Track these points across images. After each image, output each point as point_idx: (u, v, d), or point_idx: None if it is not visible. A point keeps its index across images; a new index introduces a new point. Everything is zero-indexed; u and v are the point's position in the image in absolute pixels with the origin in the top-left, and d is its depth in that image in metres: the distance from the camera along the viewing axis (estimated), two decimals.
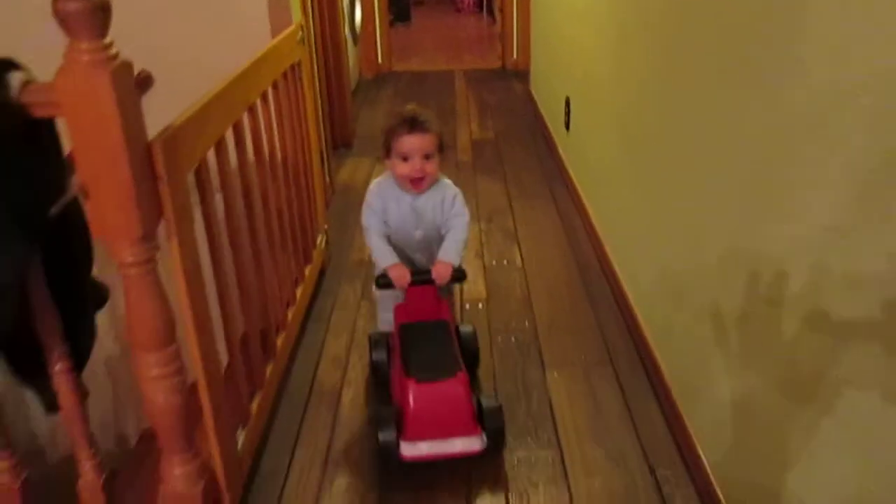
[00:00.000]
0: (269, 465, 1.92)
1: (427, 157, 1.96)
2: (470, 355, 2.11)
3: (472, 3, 9.37)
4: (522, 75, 5.74)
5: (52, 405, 1.50)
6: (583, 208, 3.24)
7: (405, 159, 1.96)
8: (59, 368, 1.44)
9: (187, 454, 1.50)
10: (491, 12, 8.59)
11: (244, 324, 1.87)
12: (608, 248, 2.80)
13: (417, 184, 1.99)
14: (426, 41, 7.75)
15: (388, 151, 2.00)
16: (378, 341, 2.16)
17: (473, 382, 2.10)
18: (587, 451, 1.94)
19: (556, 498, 1.79)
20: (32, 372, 1.45)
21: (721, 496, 1.66)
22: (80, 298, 1.46)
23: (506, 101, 5.23)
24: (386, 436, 1.77)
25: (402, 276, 1.96)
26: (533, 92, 5.10)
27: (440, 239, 2.07)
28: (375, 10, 6.00)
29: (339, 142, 4.21)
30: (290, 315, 2.29)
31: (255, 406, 1.89)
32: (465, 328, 2.18)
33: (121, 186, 1.22)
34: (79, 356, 1.48)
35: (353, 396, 2.18)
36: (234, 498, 1.68)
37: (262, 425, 1.97)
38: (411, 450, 1.76)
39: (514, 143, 4.36)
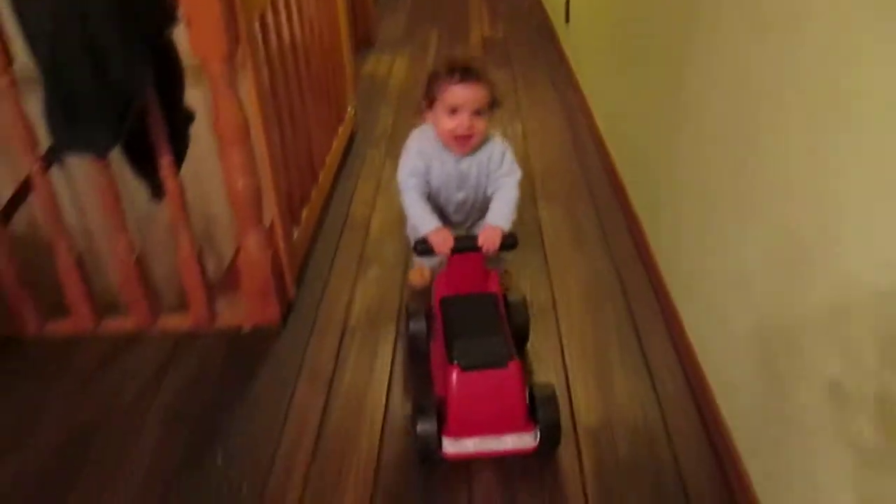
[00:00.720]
0: (315, 262, 2.47)
1: (478, 112, 1.75)
2: (519, 330, 1.88)
3: None
4: None
5: (157, 192, 2.03)
6: (579, 90, 3.69)
7: (453, 112, 1.75)
8: (164, 162, 1.96)
9: (258, 227, 2.03)
10: None
11: (294, 152, 2.38)
12: (598, 120, 3.26)
13: (463, 143, 1.79)
14: None
15: (431, 102, 1.79)
16: (416, 311, 1.92)
17: (524, 364, 1.84)
18: (566, 255, 2.45)
19: (540, 283, 2.31)
20: (145, 165, 1.97)
21: (666, 282, 2.16)
22: (178, 112, 1.97)
23: (516, 8, 5.60)
24: (426, 427, 1.56)
25: (444, 241, 1.73)
26: None
27: (484, 200, 1.90)
28: None
29: (362, 41, 4.64)
30: (327, 159, 2.81)
31: (304, 214, 2.43)
32: (514, 298, 1.94)
33: (214, 17, 1.72)
34: (177, 157, 1.99)
35: (380, 224, 2.71)
36: (292, 272, 2.23)
37: (310, 233, 2.51)
38: (455, 447, 1.57)
39: (521, 41, 4.77)
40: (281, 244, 2.15)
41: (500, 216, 1.80)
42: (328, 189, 2.84)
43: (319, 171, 2.69)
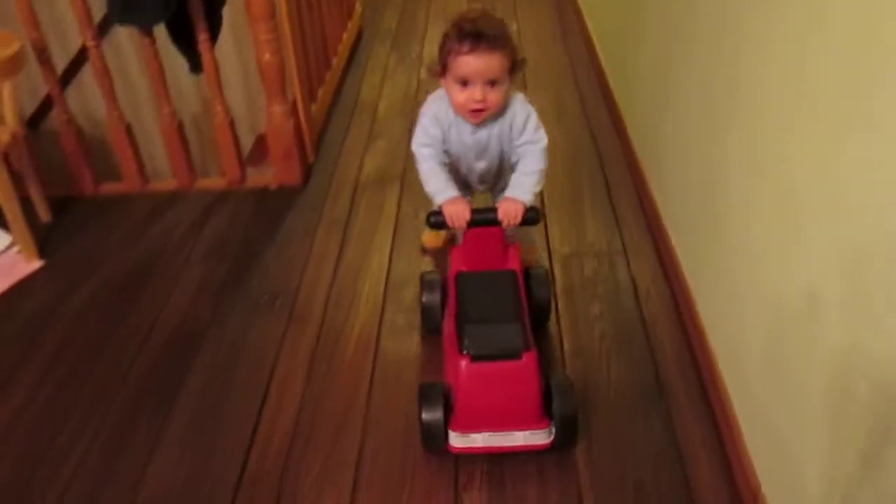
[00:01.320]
0: (330, 135, 2.83)
1: (492, 83, 1.56)
2: (539, 306, 1.78)
3: None
4: None
5: (196, 66, 2.36)
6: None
7: (464, 84, 1.57)
8: (202, 38, 2.28)
9: (283, 98, 2.37)
10: None
11: (312, 36, 2.69)
12: (584, 12, 3.54)
13: (476, 115, 1.61)
14: None
15: (444, 69, 1.60)
16: (431, 282, 1.81)
17: (541, 343, 1.66)
18: (550, 129, 2.78)
19: None
20: (185, 41, 2.30)
21: (636, 149, 2.49)
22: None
23: None
24: (431, 417, 1.47)
25: (459, 213, 1.59)
26: None
27: (510, 168, 1.74)
28: None
29: None
30: (339, 48, 3.12)
31: (320, 94, 2.76)
32: (536, 270, 1.81)
33: None
34: (213, 34, 2.31)
35: (386, 107, 3.04)
36: (312, 140, 2.58)
37: (326, 110, 2.85)
38: (462, 441, 1.48)
39: None
40: (302, 114, 2.49)
41: (522, 189, 1.63)
42: (340, 76, 3.16)
43: (332, 58, 3.01)
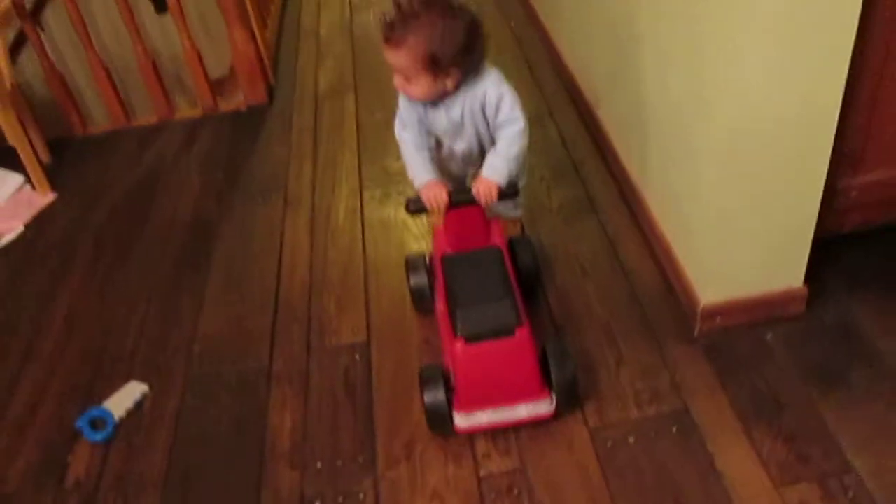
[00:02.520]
0: (283, 58, 3.20)
1: (406, 78, 1.52)
2: (527, 272, 1.78)
3: None
4: None
5: (163, 6, 2.67)
6: None
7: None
8: None
9: (243, 24, 2.71)
10: None
11: None
12: None
13: (412, 98, 1.60)
14: None
15: None
16: (416, 265, 1.83)
17: (533, 325, 1.57)
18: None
19: None
20: None
21: (575, 81, 2.91)
22: None
23: None
24: (434, 397, 1.51)
25: (436, 196, 1.58)
26: None
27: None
28: None
29: None
30: None
31: (269, 22, 3.10)
32: (520, 239, 1.83)
33: None
34: None
35: (327, 31, 3.40)
36: (270, 62, 2.94)
37: (275, 36, 3.20)
38: (467, 421, 1.53)
39: None
40: (259, 39, 2.83)
41: (495, 168, 1.58)
42: (280, 8, 3.49)
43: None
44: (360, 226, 2.22)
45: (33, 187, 2.58)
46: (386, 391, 1.71)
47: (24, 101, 2.60)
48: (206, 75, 2.80)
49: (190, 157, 2.66)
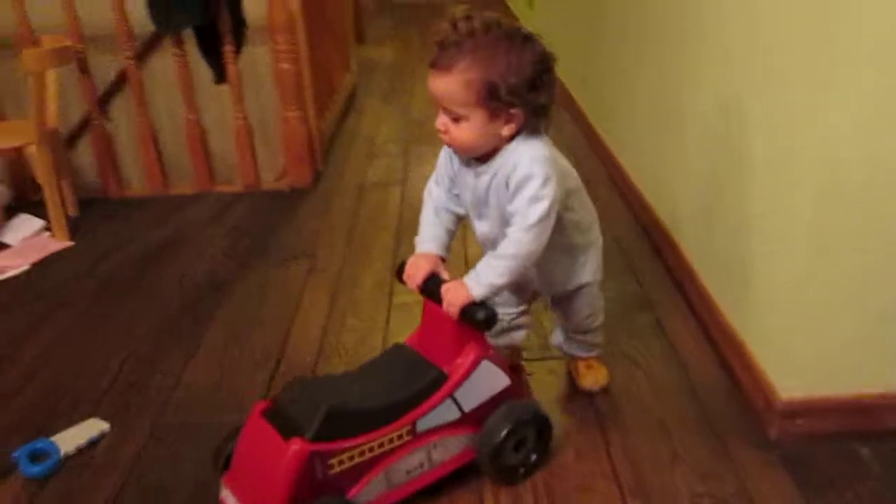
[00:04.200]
0: (334, 154, 3.13)
1: (453, 116, 1.19)
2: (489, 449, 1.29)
3: None
4: None
5: (221, 77, 2.66)
6: None
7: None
8: (227, 49, 2.59)
9: (297, 105, 2.67)
10: None
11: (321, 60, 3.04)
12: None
13: (453, 147, 1.27)
14: None
15: None
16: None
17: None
18: None
19: None
20: (212, 51, 2.61)
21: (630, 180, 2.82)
22: (240, 12, 2.61)
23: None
24: None
25: (413, 273, 1.30)
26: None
27: None
28: None
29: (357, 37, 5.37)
30: (338, 87, 3.48)
31: (327, 114, 3.08)
32: (514, 407, 1.32)
33: None
34: (237, 46, 2.63)
35: (383, 138, 3.37)
36: (321, 148, 2.87)
37: (332, 129, 3.17)
38: (224, 493, 1.23)
39: None
40: (313, 123, 2.78)
41: (475, 274, 1.24)
42: (340, 113, 3.49)
43: (334, 93, 3.35)
44: (387, 299, 1.99)
45: (52, 234, 2.45)
46: None
47: (63, 149, 2.54)
48: (252, 151, 2.73)
49: (220, 223, 2.53)
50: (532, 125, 1.22)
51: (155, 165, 2.74)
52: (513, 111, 1.18)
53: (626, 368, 1.66)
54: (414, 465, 1.25)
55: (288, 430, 1.15)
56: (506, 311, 1.48)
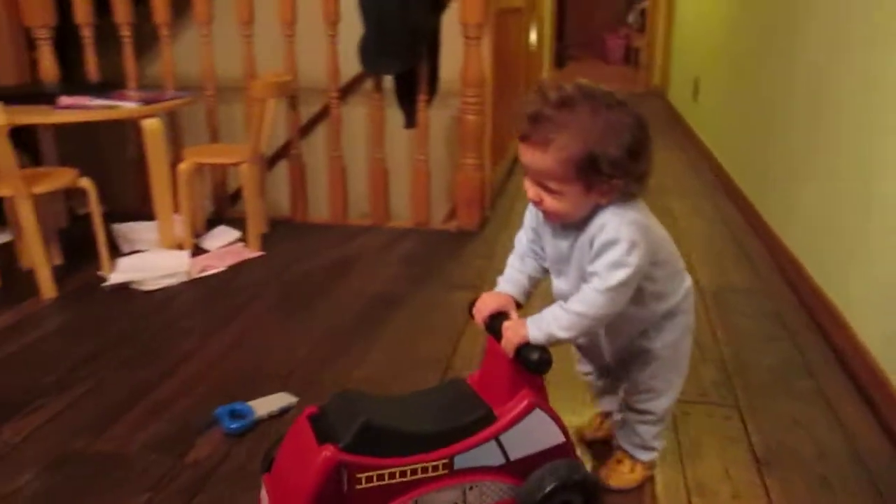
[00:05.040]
0: (501, 202, 3.28)
1: (545, 187, 1.16)
2: None
3: (619, 55, 10.82)
4: (660, 95, 7.04)
5: (412, 124, 2.91)
6: (702, 145, 4.48)
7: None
8: (421, 98, 2.85)
9: (476, 153, 2.87)
10: (637, 63, 9.96)
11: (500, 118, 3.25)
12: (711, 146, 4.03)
13: (546, 215, 1.24)
14: (578, 76, 9.21)
15: None
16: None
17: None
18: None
19: None
20: (407, 99, 2.87)
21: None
22: (436, 68, 2.87)
23: (645, 105, 6.52)
24: None
25: (479, 308, 1.29)
26: (669, 98, 6.41)
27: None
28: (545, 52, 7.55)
29: None
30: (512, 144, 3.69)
31: (500, 164, 3.27)
32: (566, 467, 1.26)
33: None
34: (430, 95, 2.88)
35: None
36: (491, 195, 3.05)
37: (502, 182, 3.35)
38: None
39: (650, 120, 5.65)
40: (487, 171, 2.98)
41: (539, 317, 1.21)
42: (508, 167, 3.70)
43: (506, 149, 3.57)
44: None
45: (245, 244, 2.74)
46: None
47: (265, 172, 2.86)
48: (427, 192, 2.95)
49: (391, 251, 2.74)
50: (637, 183, 1.17)
51: (339, 196, 3.01)
52: (613, 182, 1.13)
53: (787, 426, 1.66)
54: (446, 502, 1.20)
55: (324, 436, 1.15)
56: (592, 369, 1.49)
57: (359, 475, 1.13)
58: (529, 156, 1.14)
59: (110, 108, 2.44)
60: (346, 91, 3.04)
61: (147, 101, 2.52)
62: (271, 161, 3.19)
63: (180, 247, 2.63)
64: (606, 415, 1.55)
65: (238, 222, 2.84)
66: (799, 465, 1.52)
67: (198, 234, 2.79)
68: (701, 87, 4.85)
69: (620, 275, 1.14)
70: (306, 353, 1.96)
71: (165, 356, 1.94)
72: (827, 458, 1.54)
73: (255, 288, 2.39)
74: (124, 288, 2.35)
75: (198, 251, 2.67)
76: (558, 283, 1.29)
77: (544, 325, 1.19)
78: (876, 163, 1.89)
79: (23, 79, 2.79)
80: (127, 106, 2.47)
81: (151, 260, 2.51)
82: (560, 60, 10.27)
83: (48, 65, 2.85)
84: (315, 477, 1.12)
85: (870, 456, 1.55)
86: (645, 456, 1.41)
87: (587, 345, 1.39)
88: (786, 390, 1.81)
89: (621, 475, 1.42)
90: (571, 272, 1.24)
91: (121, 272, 2.42)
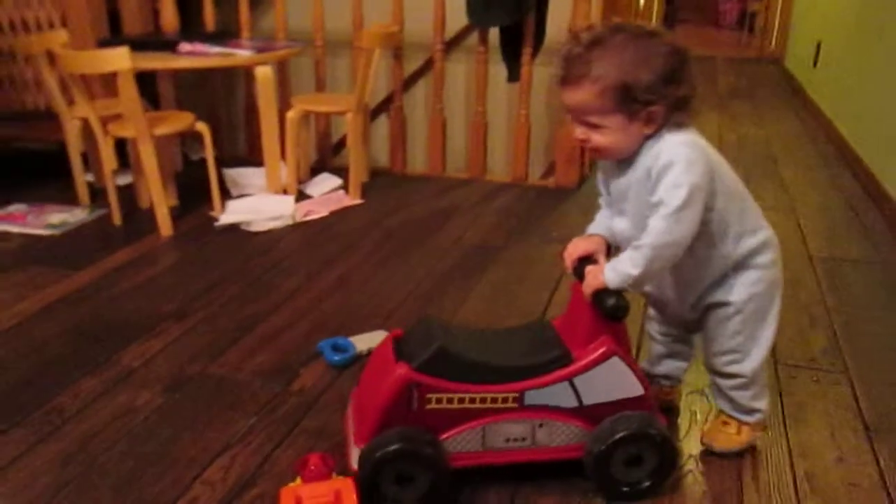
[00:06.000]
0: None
1: (589, 123, 1.17)
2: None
3: (733, 19, 10.32)
4: (776, 62, 6.70)
5: (515, 76, 2.89)
6: (821, 114, 4.26)
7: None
8: (526, 52, 2.82)
9: None
10: (752, 28, 9.49)
11: None
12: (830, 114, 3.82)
13: (598, 154, 1.24)
14: (688, 40, 8.88)
15: None
16: None
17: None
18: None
19: None
20: (512, 53, 2.85)
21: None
22: (544, 19, 2.83)
23: (760, 72, 6.26)
24: None
25: (569, 251, 1.30)
26: (786, 65, 6.10)
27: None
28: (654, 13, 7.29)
29: None
30: None
31: None
32: (643, 427, 1.23)
33: None
34: (535, 50, 2.85)
35: None
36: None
37: None
38: None
39: (765, 88, 5.41)
40: None
41: (614, 261, 1.21)
42: None
43: None
44: None
45: (346, 192, 2.80)
46: None
47: (368, 122, 2.90)
48: (527, 147, 2.93)
49: (489, 205, 2.74)
50: (675, 120, 1.16)
51: (438, 149, 3.03)
52: (652, 109, 1.14)
53: None
54: (514, 435, 1.23)
55: (402, 356, 1.21)
56: (663, 329, 1.44)
57: (429, 395, 1.18)
58: (570, 95, 1.16)
59: (227, 55, 2.53)
60: (451, 45, 3.03)
61: (260, 50, 2.60)
62: (373, 114, 3.24)
63: (285, 192, 2.72)
64: (666, 378, 1.49)
65: (340, 171, 2.91)
66: None
67: (302, 181, 2.87)
68: (822, 51, 4.59)
69: (682, 193, 1.12)
70: (405, 296, 2.00)
71: (272, 292, 2.02)
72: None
73: (356, 234, 2.45)
74: (234, 228, 2.46)
75: (301, 197, 2.76)
76: (619, 223, 1.27)
77: (619, 266, 1.18)
78: None
79: (146, 28, 2.92)
80: (242, 54, 2.55)
81: (259, 203, 2.61)
82: (669, 22, 9.90)
83: (169, 15, 2.97)
84: (388, 391, 1.18)
85: None
86: (751, 418, 1.37)
87: (657, 295, 1.36)
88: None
89: (729, 437, 1.38)
90: (630, 209, 1.23)
91: (231, 214, 2.53)
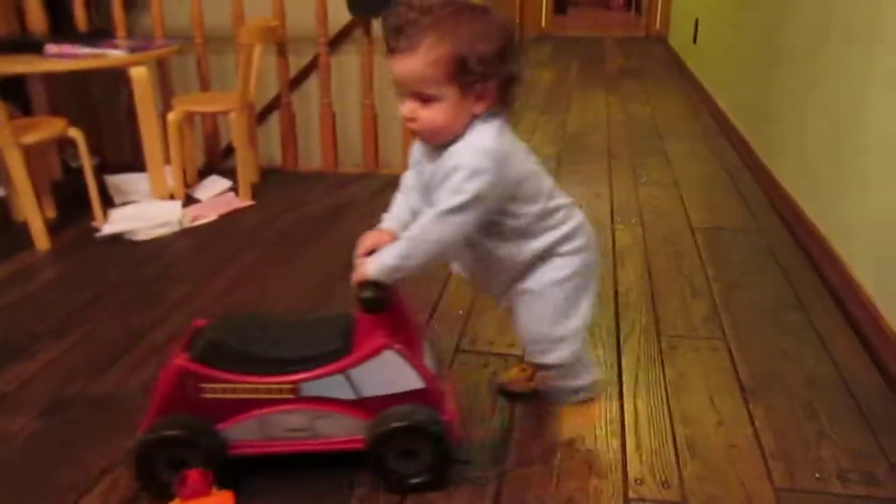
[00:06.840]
0: None
1: (420, 97, 1.11)
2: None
3: (622, 2, 10.62)
4: (661, 40, 6.93)
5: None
6: (703, 89, 4.43)
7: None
8: None
9: None
10: (638, 9, 9.78)
11: None
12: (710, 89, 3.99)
13: (422, 135, 1.17)
14: (579, 22, 9.09)
15: None
16: None
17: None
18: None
19: None
20: None
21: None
22: None
23: (646, 50, 6.46)
24: None
25: (359, 248, 1.25)
26: (670, 43, 6.31)
27: (491, 237, 1.22)
28: None
29: None
30: None
31: None
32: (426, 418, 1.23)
33: None
34: None
35: (536, 144, 3.48)
36: None
37: None
38: None
39: (651, 66, 5.59)
40: None
41: (380, 255, 1.18)
42: None
43: None
44: None
45: (236, 194, 2.73)
46: None
47: (254, 121, 2.83)
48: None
49: (382, 200, 2.69)
50: (503, 100, 1.14)
51: (330, 144, 2.99)
52: (486, 84, 1.10)
53: (775, 357, 1.67)
54: (294, 426, 1.24)
55: (189, 347, 1.26)
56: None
57: (203, 385, 1.22)
58: (401, 65, 1.09)
59: (98, 56, 2.41)
60: (340, 37, 2.99)
61: (135, 50, 2.49)
62: (263, 114, 3.17)
63: (172, 197, 2.63)
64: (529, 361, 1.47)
65: (230, 174, 2.84)
66: (785, 393, 1.55)
67: (189, 185, 2.78)
68: (700, 28, 4.78)
69: (455, 201, 1.10)
70: (297, 299, 1.97)
71: (158, 302, 1.95)
72: (814, 387, 1.56)
73: (247, 236, 2.40)
74: (117, 238, 2.36)
75: (189, 201, 2.67)
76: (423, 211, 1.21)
77: (382, 255, 1.17)
78: (872, 97, 1.87)
79: (10, 29, 2.76)
80: (115, 54, 2.44)
81: (144, 210, 2.52)
82: (561, 6, 10.09)
83: (36, 15, 2.81)
84: (165, 381, 1.24)
85: (859, 387, 1.56)
86: (583, 395, 1.37)
87: (472, 282, 1.39)
88: (776, 324, 1.82)
89: (577, 415, 1.40)
90: (433, 200, 1.17)
91: (113, 223, 2.42)
